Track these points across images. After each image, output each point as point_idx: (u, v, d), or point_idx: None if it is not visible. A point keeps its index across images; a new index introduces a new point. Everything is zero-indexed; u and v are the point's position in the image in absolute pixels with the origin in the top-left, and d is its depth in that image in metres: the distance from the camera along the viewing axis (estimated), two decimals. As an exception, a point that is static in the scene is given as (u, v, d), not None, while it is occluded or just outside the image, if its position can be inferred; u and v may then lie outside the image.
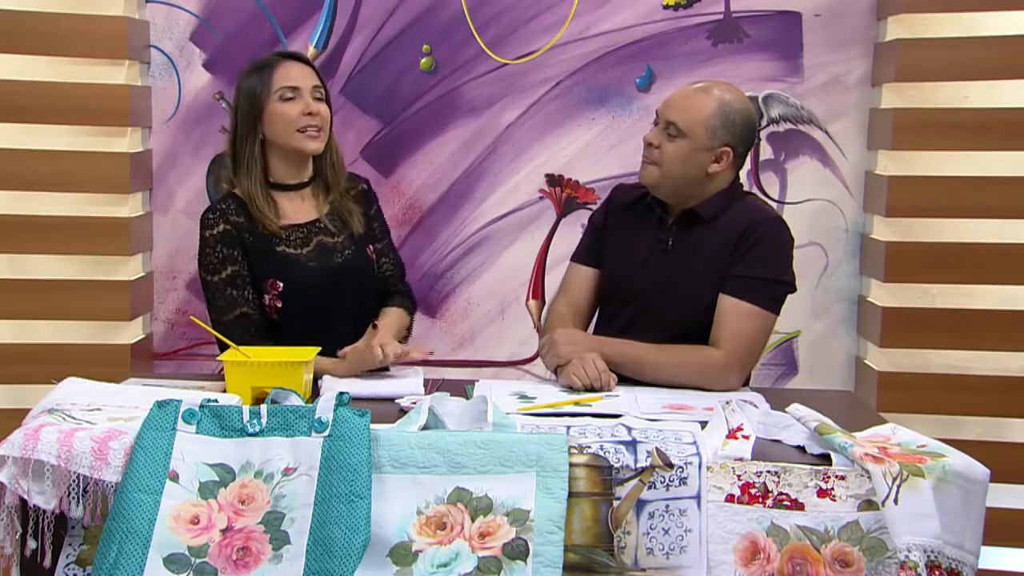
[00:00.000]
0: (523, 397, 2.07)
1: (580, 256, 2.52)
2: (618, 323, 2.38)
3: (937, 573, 1.59)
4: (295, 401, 1.78)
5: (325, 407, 1.67)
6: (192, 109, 3.21)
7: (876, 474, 1.62)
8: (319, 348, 2.12)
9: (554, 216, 3.25)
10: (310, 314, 2.36)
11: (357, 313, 2.44)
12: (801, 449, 1.75)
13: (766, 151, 3.19)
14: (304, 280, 2.37)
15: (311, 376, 2.09)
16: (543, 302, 3.26)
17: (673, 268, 2.34)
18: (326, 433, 1.65)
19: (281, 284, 2.36)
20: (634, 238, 2.42)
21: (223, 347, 2.15)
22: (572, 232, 3.20)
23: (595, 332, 2.46)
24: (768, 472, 1.66)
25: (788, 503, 1.64)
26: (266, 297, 2.36)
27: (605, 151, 3.21)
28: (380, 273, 2.53)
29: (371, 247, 2.50)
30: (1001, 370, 3.00)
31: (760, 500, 1.65)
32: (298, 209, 2.43)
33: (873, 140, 3.13)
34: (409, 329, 2.57)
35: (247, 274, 2.36)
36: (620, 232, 2.45)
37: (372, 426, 1.67)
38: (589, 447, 1.68)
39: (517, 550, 1.59)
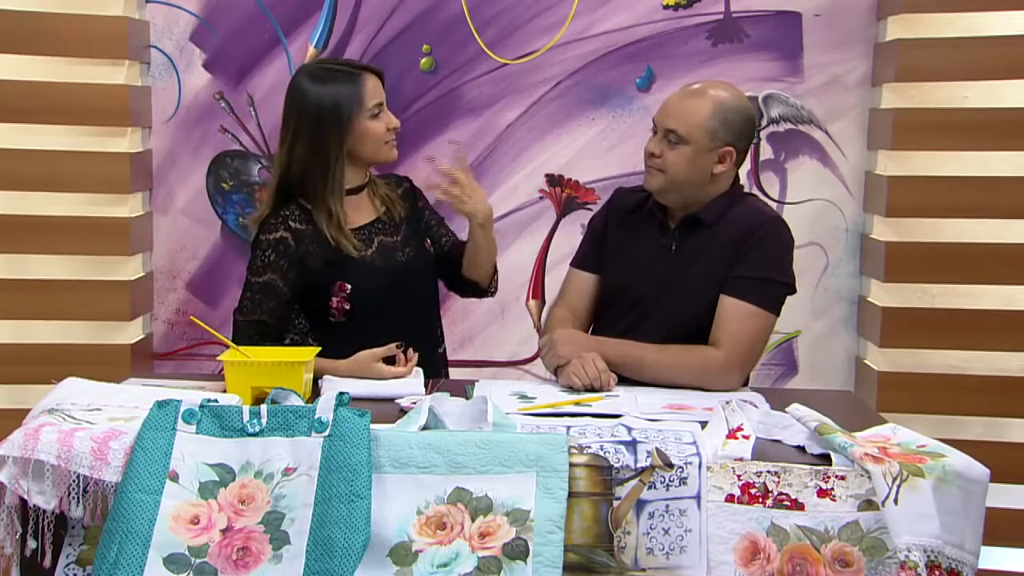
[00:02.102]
0: (523, 397, 2.07)
1: (579, 262, 2.52)
2: (620, 327, 2.37)
3: (937, 573, 1.59)
4: (295, 401, 1.78)
5: (325, 407, 1.67)
6: (192, 109, 3.22)
7: (876, 474, 1.62)
8: (319, 348, 2.12)
9: (554, 216, 3.25)
10: (378, 314, 2.37)
11: (421, 311, 2.47)
12: (801, 449, 1.75)
13: (766, 151, 3.19)
14: (371, 280, 2.37)
15: (311, 376, 2.09)
16: (543, 302, 3.26)
17: (676, 273, 2.33)
18: (326, 433, 1.65)
19: (349, 286, 2.36)
20: (636, 243, 2.41)
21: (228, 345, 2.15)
22: (572, 232, 3.21)
23: (596, 335, 2.46)
24: (768, 472, 1.66)
25: (788, 503, 1.64)
26: (333, 300, 2.37)
27: (605, 151, 3.21)
28: (446, 248, 2.57)
29: (428, 241, 2.53)
30: (1001, 370, 3.00)
31: (760, 500, 1.65)
32: (359, 211, 2.44)
33: (873, 140, 3.13)
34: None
35: (283, 287, 2.35)
36: (621, 238, 2.44)
37: (372, 426, 1.67)
38: (589, 447, 1.68)
39: (517, 550, 1.59)
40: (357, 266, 2.37)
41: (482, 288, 2.58)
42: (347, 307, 2.37)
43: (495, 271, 2.58)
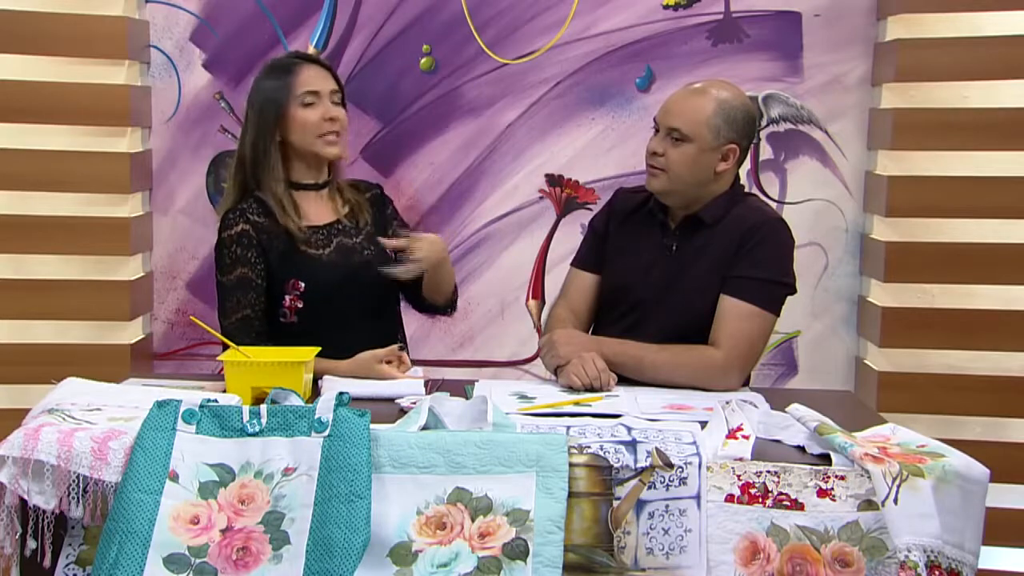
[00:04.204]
0: (523, 397, 2.07)
1: (581, 261, 2.52)
2: (621, 327, 2.37)
3: (937, 573, 1.59)
4: (295, 401, 1.78)
5: (325, 407, 1.67)
6: (192, 109, 3.22)
7: (876, 474, 1.62)
8: (319, 348, 2.12)
9: (554, 216, 3.25)
10: (330, 315, 2.37)
11: (376, 314, 2.45)
12: (801, 449, 1.75)
13: (766, 151, 3.19)
14: (326, 279, 2.37)
15: (311, 376, 2.09)
16: (543, 302, 3.26)
17: (677, 273, 2.33)
18: (326, 433, 1.65)
19: (303, 284, 2.36)
20: (637, 244, 2.41)
21: (227, 346, 2.15)
22: (572, 232, 3.21)
23: (597, 335, 2.46)
24: (768, 472, 1.66)
25: (788, 503, 1.64)
26: (287, 298, 2.37)
27: (605, 151, 3.21)
28: None
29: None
30: (1001, 370, 3.00)
31: (760, 500, 1.65)
32: (319, 210, 2.45)
33: (873, 140, 3.13)
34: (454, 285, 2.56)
35: (257, 279, 2.36)
36: (623, 238, 2.44)
37: (372, 426, 1.67)
38: (589, 447, 1.68)
39: (517, 550, 1.59)
40: (313, 263, 2.38)
41: (441, 309, 2.57)
42: (299, 306, 2.37)
43: (455, 293, 2.58)
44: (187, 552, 1.59)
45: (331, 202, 2.48)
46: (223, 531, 1.61)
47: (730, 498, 1.65)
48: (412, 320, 2.70)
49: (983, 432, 3.00)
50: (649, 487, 1.64)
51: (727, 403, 1.85)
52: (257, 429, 1.68)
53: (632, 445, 1.68)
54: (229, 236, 2.37)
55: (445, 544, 1.60)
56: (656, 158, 2.31)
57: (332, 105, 2.40)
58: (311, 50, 3.17)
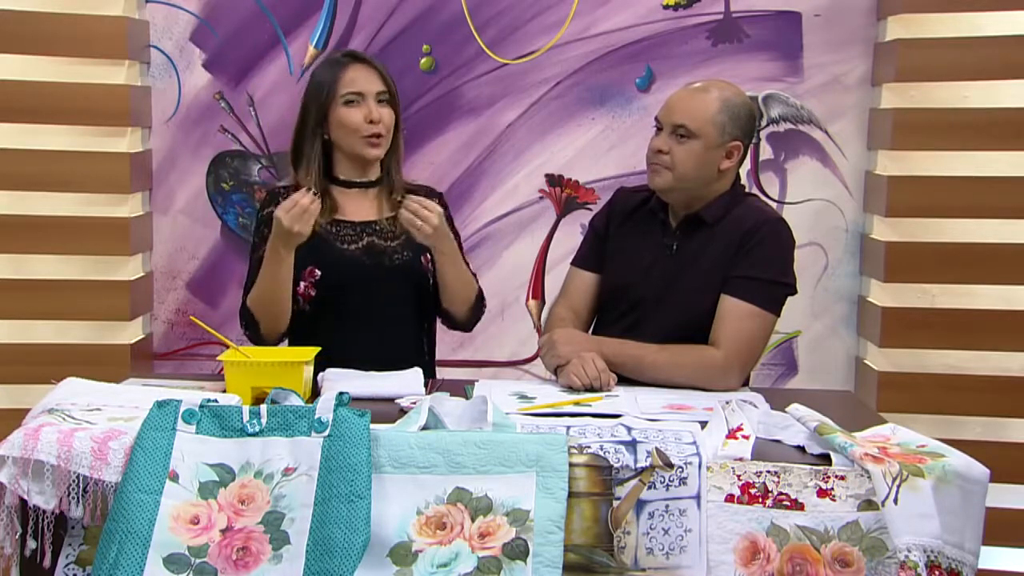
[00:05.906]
0: (523, 397, 2.07)
1: (581, 261, 2.52)
2: (621, 327, 2.37)
3: (937, 573, 1.59)
4: (295, 401, 1.78)
5: (325, 407, 1.67)
6: (192, 109, 3.22)
7: (876, 474, 1.62)
8: (319, 348, 2.12)
9: (554, 216, 3.25)
10: (346, 310, 2.36)
11: (398, 321, 2.42)
12: (801, 449, 1.75)
13: (766, 151, 3.19)
14: (343, 274, 2.36)
15: (311, 376, 2.09)
16: (543, 302, 3.26)
17: (677, 272, 2.33)
18: (326, 433, 1.65)
19: (319, 272, 2.36)
20: (638, 243, 2.41)
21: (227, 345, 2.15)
22: (572, 232, 3.21)
23: (597, 335, 2.45)
24: (768, 472, 1.66)
25: (788, 503, 1.64)
26: (301, 285, 2.36)
27: (605, 151, 3.21)
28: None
29: (426, 256, 2.42)
30: (1001, 370, 3.00)
31: (760, 500, 1.65)
32: (358, 207, 2.44)
33: (873, 140, 3.13)
34: (477, 303, 2.49)
35: None
36: (623, 237, 2.44)
37: (372, 426, 1.67)
38: (589, 447, 1.68)
39: (517, 550, 1.59)
40: (335, 256, 2.37)
41: (455, 320, 2.49)
42: (312, 294, 2.36)
43: (473, 308, 2.49)
44: (187, 552, 1.59)
45: (376, 201, 2.45)
46: (223, 531, 1.61)
47: (730, 498, 1.65)
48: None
49: (983, 432, 3.00)
50: (649, 487, 1.64)
51: (727, 403, 1.85)
52: (257, 429, 1.68)
53: (632, 445, 1.68)
54: (261, 216, 2.41)
55: (445, 544, 1.60)
56: (661, 156, 2.30)
57: (376, 106, 2.37)
58: (310, 51, 3.18)
